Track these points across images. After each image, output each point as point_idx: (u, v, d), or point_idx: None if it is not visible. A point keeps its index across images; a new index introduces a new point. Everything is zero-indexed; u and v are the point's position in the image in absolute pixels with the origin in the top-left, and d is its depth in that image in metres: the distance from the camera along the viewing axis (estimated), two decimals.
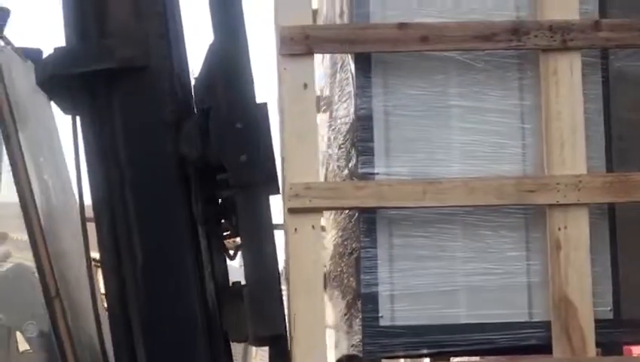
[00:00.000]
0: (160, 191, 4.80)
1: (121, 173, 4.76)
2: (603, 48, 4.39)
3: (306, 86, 4.30)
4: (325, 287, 5.34)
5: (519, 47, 4.30)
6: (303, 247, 4.22)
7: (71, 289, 5.32)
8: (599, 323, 4.22)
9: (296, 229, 4.18)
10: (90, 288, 5.12)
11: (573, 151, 4.23)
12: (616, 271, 4.35)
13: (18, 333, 5.69)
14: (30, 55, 5.27)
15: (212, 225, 4.84)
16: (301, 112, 4.33)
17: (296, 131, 4.28)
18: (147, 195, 4.77)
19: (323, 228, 5.27)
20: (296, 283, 4.24)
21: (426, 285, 4.33)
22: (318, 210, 4.29)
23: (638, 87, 4.52)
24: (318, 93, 5.54)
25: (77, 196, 5.23)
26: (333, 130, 5.40)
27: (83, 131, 4.96)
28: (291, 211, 4.20)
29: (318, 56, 4.94)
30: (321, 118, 5.79)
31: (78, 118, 5.01)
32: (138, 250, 4.76)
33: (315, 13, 4.93)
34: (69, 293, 5.26)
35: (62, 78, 4.79)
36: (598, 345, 4.31)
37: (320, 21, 5.50)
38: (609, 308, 4.30)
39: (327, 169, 5.65)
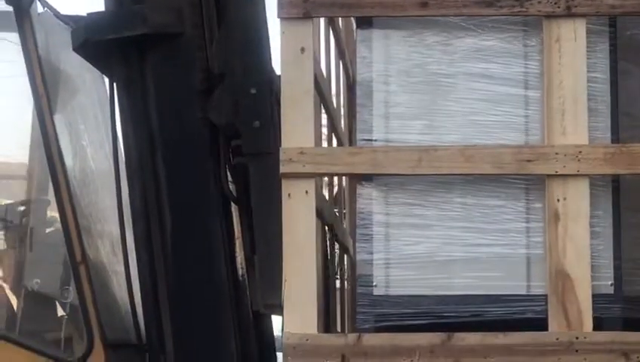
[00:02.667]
0: (190, 157, 5.02)
1: (152, 137, 5.02)
2: (610, 15, 4.36)
3: (303, 50, 4.36)
4: None
5: (522, 12, 4.30)
6: (296, 213, 4.27)
7: (101, 254, 5.52)
8: (599, 298, 4.25)
9: (289, 195, 4.22)
10: (123, 253, 5.26)
11: (575, 121, 4.24)
12: (619, 245, 4.35)
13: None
14: (71, 21, 5.42)
15: (242, 195, 5.13)
16: (297, 77, 4.36)
17: (291, 96, 4.29)
18: (177, 160, 4.99)
19: None
20: (289, 248, 4.29)
21: (422, 255, 4.34)
22: (312, 176, 4.31)
23: None
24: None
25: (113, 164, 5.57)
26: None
27: (118, 95, 5.24)
28: (285, 176, 4.28)
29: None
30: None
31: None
32: (167, 214, 4.97)
33: None
34: (100, 258, 5.46)
35: (96, 44, 5.03)
36: (597, 320, 4.30)
37: None
38: (610, 283, 4.31)
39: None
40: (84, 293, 5.16)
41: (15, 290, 5.84)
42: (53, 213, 5.68)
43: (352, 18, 4.80)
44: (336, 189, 6.24)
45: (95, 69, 5.58)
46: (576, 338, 4.15)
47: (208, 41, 5.15)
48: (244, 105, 4.95)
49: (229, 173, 5.12)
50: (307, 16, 4.36)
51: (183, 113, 5.10)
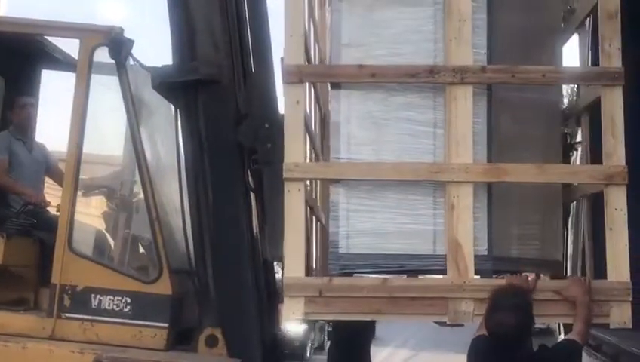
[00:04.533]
0: (226, 162, 5.72)
1: (202, 147, 5.70)
2: (488, 84, 4.99)
3: (298, 102, 4.97)
4: None
5: (433, 81, 4.93)
6: (293, 202, 4.91)
7: (169, 215, 6.18)
8: (477, 258, 4.87)
9: (289, 190, 4.90)
10: (182, 215, 5.99)
11: (464, 149, 4.89)
12: (490, 225, 5.00)
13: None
14: (151, 69, 5.97)
15: (258, 187, 5.75)
16: (294, 119, 5.01)
17: (291, 130, 4.99)
18: (218, 164, 5.70)
19: None
20: (288, 222, 4.92)
21: (369, 229, 5.04)
22: (303, 179, 4.97)
23: (509, 109, 5.19)
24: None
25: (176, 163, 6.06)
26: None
27: (180, 118, 5.89)
28: (286, 179, 4.89)
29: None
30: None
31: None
32: (211, 193, 5.74)
33: (306, 56, 5.41)
34: (167, 217, 6.12)
35: (167, 84, 5.73)
36: (477, 272, 4.90)
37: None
38: (484, 248, 4.96)
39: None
40: (157, 239, 5.79)
41: (113, 237, 6.55)
42: (137, 189, 6.30)
43: (328, 83, 5.28)
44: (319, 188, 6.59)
45: (166, 101, 6.17)
46: (464, 282, 4.80)
47: (238, 89, 5.76)
48: (260, 134, 5.62)
49: (249, 174, 5.75)
50: (300, 81, 5.01)
51: (221, 135, 5.70)
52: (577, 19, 5.74)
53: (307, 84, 5.15)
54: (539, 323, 4.76)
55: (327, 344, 18.88)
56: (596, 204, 5.25)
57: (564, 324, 5.86)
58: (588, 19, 5.68)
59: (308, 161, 5.28)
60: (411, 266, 5.11)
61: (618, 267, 4.82)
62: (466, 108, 4.93)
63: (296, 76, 5.00)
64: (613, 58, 4.99)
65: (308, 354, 19.49)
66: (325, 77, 5.28)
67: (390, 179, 5.00)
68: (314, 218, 6.09)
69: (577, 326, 4.61)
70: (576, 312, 4.65)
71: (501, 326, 4.39)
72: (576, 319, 4.65)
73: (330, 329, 13.40)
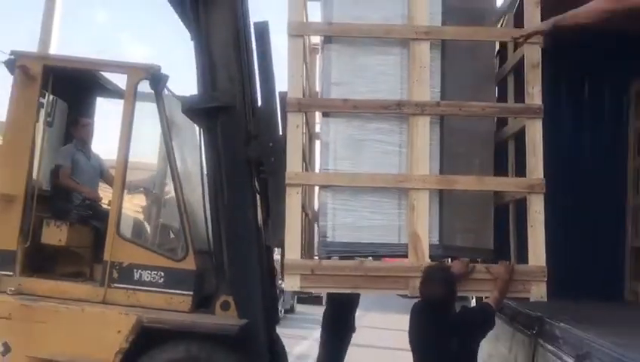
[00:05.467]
0: (239, 172, 5.66)
1: (220, 160, 5.65)
2: (441, 115, 5.02)
3: (297, 126, 4.93)
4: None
5: (400, 113, 4.96)
6: (293, 202, 4.89)
7: (193, 209, 6.11)
8: (432, 246, 4.87)
9: (290, 194, 4.86)
10: (204, 210, 6.00)
11: (423, 164, 4.87)
12: (441, 221, 4.98)
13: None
14: (182, 98, 5.97)
15: (262, 191, 5.74)
16: (294, 140, 4.95)
17: (292, 148, 4.94)
18: (232, 173, 5.63)
19: None
20: (288, 217, 4.85)
21: (350, 223, 5.00)
22: (300, 185, 4.94)
23: (457, 134, 5.15)
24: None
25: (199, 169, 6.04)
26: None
27: (203, 137, 5.86)
28: (288, 185, 4.86)
29: None
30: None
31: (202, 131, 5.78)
32: (227, 195, 5.65)
33: (305, 89, 5.35)
34: (192, 211, 6.06)
35: (193, 110, 5.71)
36: (431, 257, 4.89)
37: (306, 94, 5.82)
38: (437, 239, 4.96)
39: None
40: (184, 227, 5.79)
41: (150, 225, 6.63)
42: (169, 189, 6.30)
43: (319, 112, 5.26)
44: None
45: (192, 122, 6.21)
46: (421, 264, 4.74)
47: (249, 115, 5.74)
48: (266, 151, 5.60)
49: (257, 181, 5.75)
50: (300, 111, 5.01)
51: (235, 150, 5.67)
52: (507, 67, 5.77)
53: (304, 112, 5.16)
54: (461, 292, 4.79)
55: (297, 307, 18.95)
56: (520, 206, 5.24)
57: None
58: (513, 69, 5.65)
59: (304, 171, 5.23)
60: (381, 252, 5.14)
61: (537, 255, 4.84)
62: (424, 133, 4.94)
63: (296, 107, 4.99)
64: (535, 97, 5.04)
65: (280, 315, 19.29)
66: (319, 107, 5.23)
67: (366, 186, 4.99)
68: (306, 214, 5.98)
69: (494, 294, 4.67)
70: (497, 285, 4.70)
71: (432, 293, 4.47)
72: (494, 289, 4.69)
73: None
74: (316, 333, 13.28)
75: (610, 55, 5.80)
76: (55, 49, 12.94)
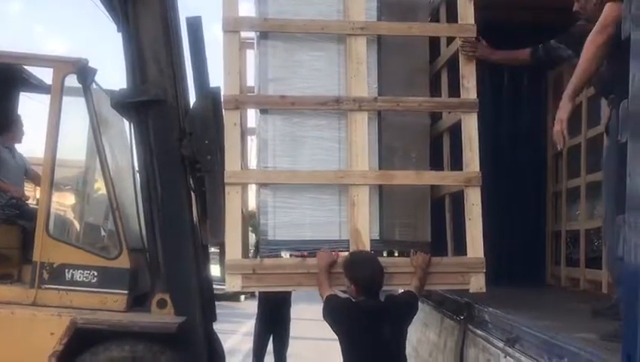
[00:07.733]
0: (172, 169, 5.57)
1: (151, 155, 5.54)
2: (379, 110, 4.92)
3: (235, 124, 4.77)
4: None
5: (339, 108, 4.82)
6: (233, 200, 4.74)
7: (125, 206, 5.98)
8: (372, 241, 4.78)
9: (229, 192, 4.72)
10: (136, 206, 5.88)
11: (362, 159, 4.77)
12: (381, 216, 4.91)
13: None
14: (110, 92, 5.86)
15: (198, 189, 5.64)
16: (232, 136, 4.80)
17: (230, 144, 4.77)
18: (165, 170, 5.54)
19: None
20: (228, 216, 4.70)
21: (290, 221, 4.86)
22: (239, 184, 4.77)
23: (394, 129, 5.08)
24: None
25: (130, 165, 5.94)
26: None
27: (133, 131, 5.70)
28: (227, 183, 4.70)
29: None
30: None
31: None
32: (160, 192, 5.55)
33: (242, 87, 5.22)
34: (125, 208, 5.94)
35: (122, 103, 5.57)
36: (373, 252, 4.73)
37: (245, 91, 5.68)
38: (377, 234, 4.87)
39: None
40: (117, 225, 5.64)
41: (81, 224, 6.33)
42: (100, 186, 6.14)
43: (257, 109, 5.09)
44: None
45: (121, 117, 6.00)
46: None
47: (182, 112, 5.60)
48: (201, 148, 5.47)
49: (192, 178, 5.61)
50: (237, 108, 4.83)
51: (166, 146, 5.54)
52: (441, 61, 5.67)
53: (241, 110, 5.01)
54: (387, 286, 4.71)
55: (258, 291, 18.76)
56: (456, 199, 5.20)
57: None
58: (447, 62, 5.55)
59: (242, 169, 5.05)
60: (323, 249, 4.92)
61: (475, 247, 4.81)
62: (362, 129, 4.82)
63: (233, 104, 4.81)
64: (470, 92, 5.00)
65: (242, 299, 19.68)
66: (256, 104, 5.02)
67: (306, 183, 4.86)
68: (246, 212, 5.79)
69: (414, 282, 4.66)
70: (416, 274, 4.68)
71: (365, 279, 4.43)
72: (414, 278, 4.68)
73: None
74: (245, 327, 13.17)
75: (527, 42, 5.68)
76: None
